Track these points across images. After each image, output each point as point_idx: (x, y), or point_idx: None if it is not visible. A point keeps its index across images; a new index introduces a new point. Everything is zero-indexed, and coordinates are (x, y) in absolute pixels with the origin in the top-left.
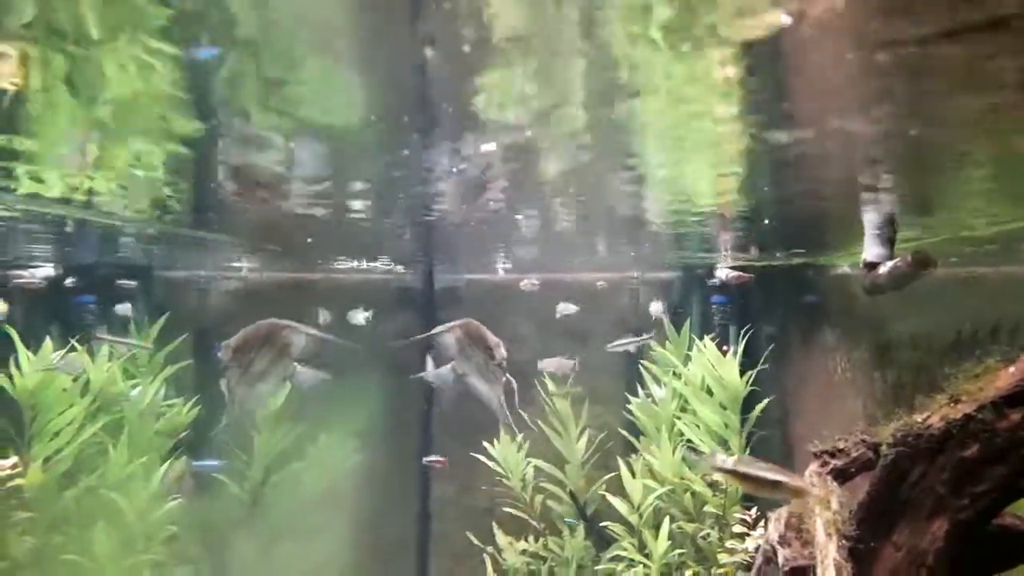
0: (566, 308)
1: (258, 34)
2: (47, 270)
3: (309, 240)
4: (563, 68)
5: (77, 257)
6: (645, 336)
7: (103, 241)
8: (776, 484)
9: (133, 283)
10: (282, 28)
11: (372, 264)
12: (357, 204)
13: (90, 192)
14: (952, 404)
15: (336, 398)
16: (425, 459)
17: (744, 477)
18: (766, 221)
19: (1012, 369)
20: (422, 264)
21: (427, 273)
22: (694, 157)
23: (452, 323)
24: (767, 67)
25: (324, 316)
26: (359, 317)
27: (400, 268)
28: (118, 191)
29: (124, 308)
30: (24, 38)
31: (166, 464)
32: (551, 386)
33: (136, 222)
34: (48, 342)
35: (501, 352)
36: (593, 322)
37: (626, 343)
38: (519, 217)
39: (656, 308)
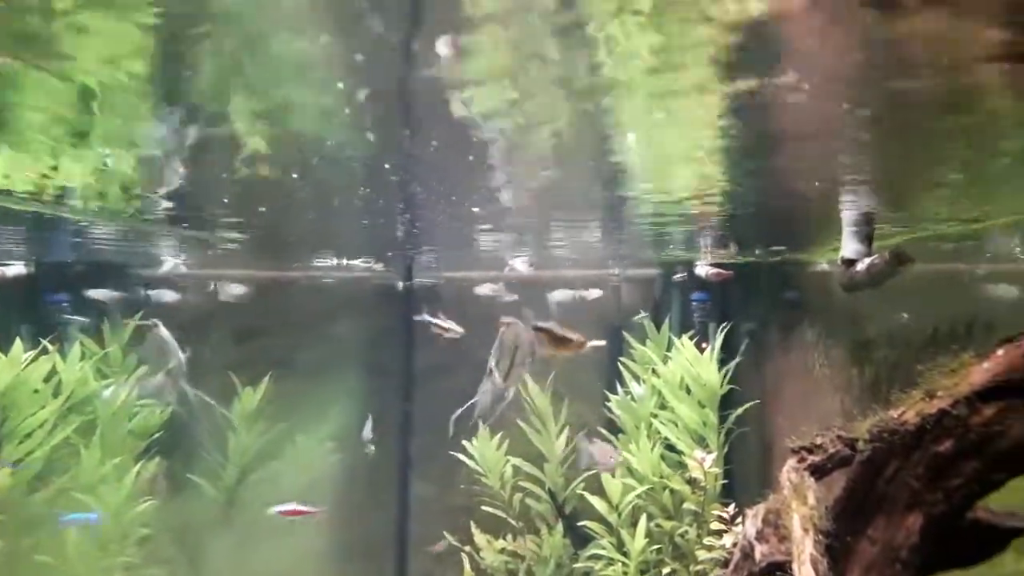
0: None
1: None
2: (17, 268)
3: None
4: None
5: (48, 254)
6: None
7: (75, 237)
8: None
9: (106, 281)
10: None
11: (350, 262)
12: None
13: (61, 187)
14: (927, 399)
15: (314, 398)
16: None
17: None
18: (745, 217)
19: (986, 364)
20: (400, 261)
21: (406, 270)
22: (673, 148)
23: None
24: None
25: None
26: None
27: (379, 266)
28: (89, 183)
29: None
30: None
31: (139, 465)
32: (530, 383)
33: (109, 215)
34: (19, 343)
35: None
36: (577, 320)
37: None
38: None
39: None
